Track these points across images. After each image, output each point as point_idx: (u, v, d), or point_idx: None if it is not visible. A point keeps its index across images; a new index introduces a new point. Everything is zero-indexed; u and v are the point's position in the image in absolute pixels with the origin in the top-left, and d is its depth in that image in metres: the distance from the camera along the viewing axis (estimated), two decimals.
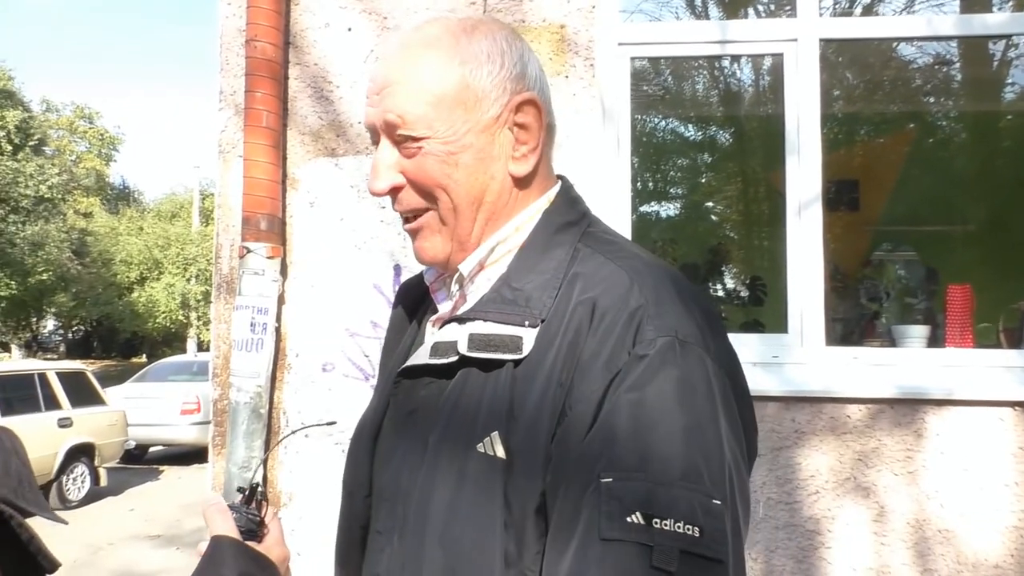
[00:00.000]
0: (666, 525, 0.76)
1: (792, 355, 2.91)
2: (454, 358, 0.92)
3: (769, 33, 3.07)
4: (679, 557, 0.75)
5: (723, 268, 6.59)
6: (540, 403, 0.86)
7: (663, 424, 0.80)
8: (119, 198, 41.30)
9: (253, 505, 1.02)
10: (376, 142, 0.98)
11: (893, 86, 6.16)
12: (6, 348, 31.50)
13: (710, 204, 8.49)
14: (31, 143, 28.91)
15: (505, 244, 0.98)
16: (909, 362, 2.90)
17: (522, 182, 0.98)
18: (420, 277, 1.13)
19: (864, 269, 4.96)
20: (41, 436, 9.33)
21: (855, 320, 4.46)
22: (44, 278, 26.79)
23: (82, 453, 10.28)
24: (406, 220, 1.01)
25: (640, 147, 6.93)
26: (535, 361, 0.87)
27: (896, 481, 2.75)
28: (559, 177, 1.05)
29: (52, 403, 10.04)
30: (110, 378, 17.42)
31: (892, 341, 3.38)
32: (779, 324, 3.03)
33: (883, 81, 6.10)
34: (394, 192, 0.98)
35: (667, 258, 5.74)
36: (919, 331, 3.28)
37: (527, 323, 0.89)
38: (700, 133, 7.95)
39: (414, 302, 1.13)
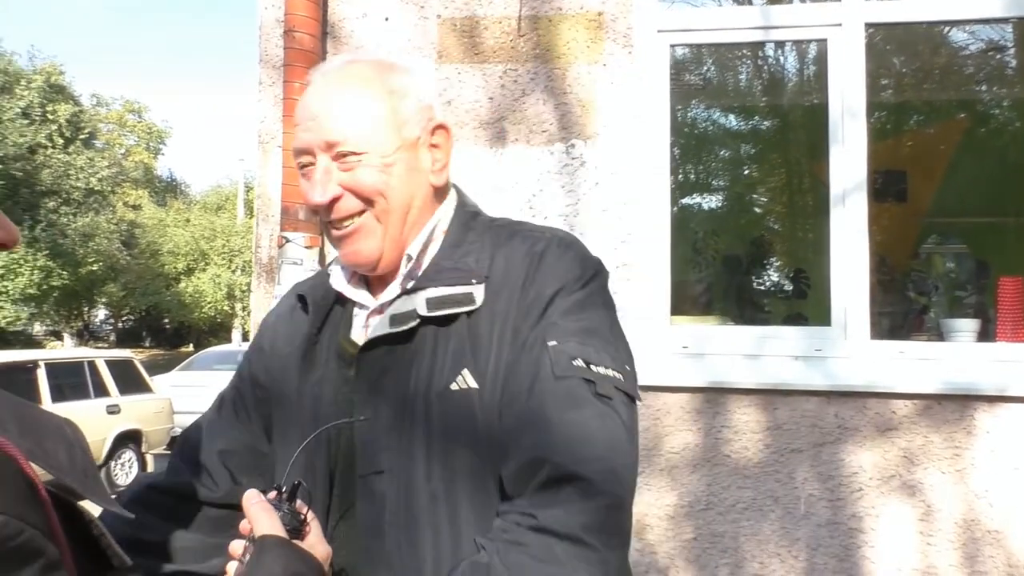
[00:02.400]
0: (600, 370, 1.04)
1: (836, 349, 2.84)
2: (415, 322, 1.10)
3: (812, 18, 2.99)
4: (614, 390, 1.04)
5: (766, 260, 6.50)
6: (500, 335, 1.07)
7: (591, 310, 1.10)
8: (166, 190, 42.05)
9: (295, 503, 1.00)
10: (305, 163, 1.14)
11: (943, 73, 5.97)
12: (58, 337, 32.40)
13: (753, 195, 8.35)
14: (82, 137, 29.58)
15: (438, 229, 1.20)
16: (958, 357, 2.81)
17: (439, 190, 1.21)
18: (304, 301, 1.25)
19: (912, 261, 4.85)
20: (90, 422, 9.52)
21: (902, 314, 4.36)
22: (95, 269, 27.45)
23: (130, 439, 10.50)
24: (336, 228, 1.14)
25: (681, 137, 6.84)
26: (487, 307, 1.09)
27: (944, 479, 2.67)
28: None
29: (101, 390, 10.27)
30: (157, 367, 17.78)
31: (940, 335, 3.29)
32: (823, 317, 2.96)
33: (932, 68, 5.91)
34: (333, 202, 1.12)
35: (709, 250, 5.66)
36: (969, 325, 3.18)
37: (474, 280, 1.10)
38: (742, 122, 7.82)
39: (317, 317, 1.23)
